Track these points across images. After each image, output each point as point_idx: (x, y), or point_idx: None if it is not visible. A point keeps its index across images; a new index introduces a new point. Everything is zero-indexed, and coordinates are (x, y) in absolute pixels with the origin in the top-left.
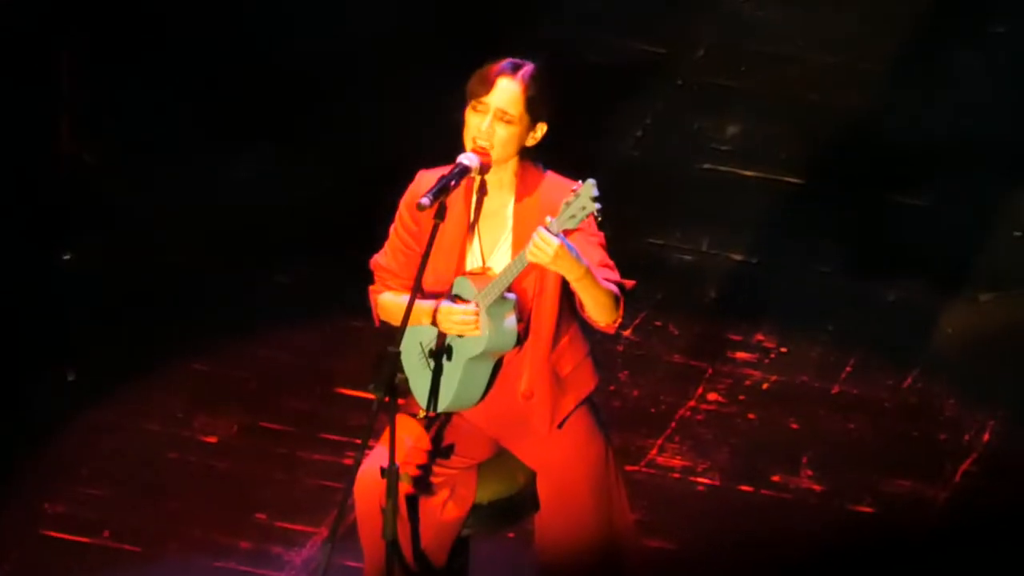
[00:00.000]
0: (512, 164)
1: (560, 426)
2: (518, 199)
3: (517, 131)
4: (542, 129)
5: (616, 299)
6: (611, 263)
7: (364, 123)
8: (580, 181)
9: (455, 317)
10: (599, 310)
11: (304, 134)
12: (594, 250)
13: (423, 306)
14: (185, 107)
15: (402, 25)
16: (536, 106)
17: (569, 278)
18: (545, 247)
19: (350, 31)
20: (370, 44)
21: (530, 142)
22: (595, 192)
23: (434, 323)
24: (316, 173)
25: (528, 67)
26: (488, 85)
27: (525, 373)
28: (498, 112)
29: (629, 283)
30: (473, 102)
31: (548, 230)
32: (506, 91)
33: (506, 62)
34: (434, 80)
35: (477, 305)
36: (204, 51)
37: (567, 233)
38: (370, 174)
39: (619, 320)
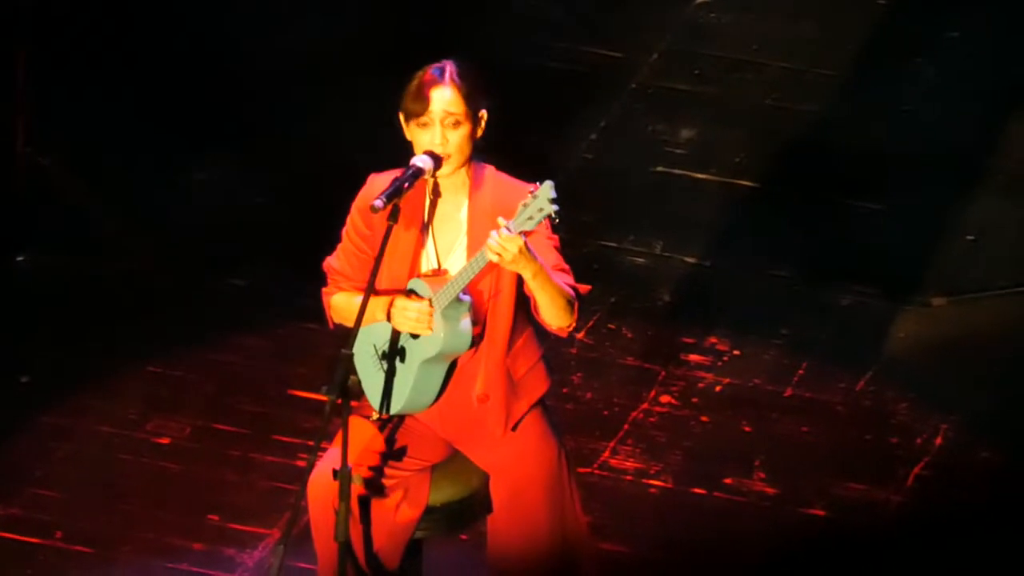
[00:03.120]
0: (465, 165)
1: (514, 429)
2: (472, 201)
3: (468, 129)
4: (484, 118)
5: (571, 302)
6: (567, 267)
7: (317, 127)
8: (537, 183)
9: (409, 313)
10: (554, 312)
11: (258, 138)
12: (549, 252)
13: (378, 302)
14: (141, 111)
15: (354, 31)
16: (474, 99)
17: (525, 275)
18: (509, 245)
19: (303, 36)
20: (323, 49)
21: (479, 133)
22: (553, 194)
23: (388, 319)
24: (270, 177)
25: (449, 67)
26: (424, 100)
27: (480, 376)
28: (445, 119)
29: (584, 288)
30: (414, 122)
31: (508, 230)
32: (444, 98)
33: (428, 74)
34: (386, 85)
35: (431, 304)
36: (161, 55)
37: (524, 235)
38: (323, 178)
39: (573, 324)
